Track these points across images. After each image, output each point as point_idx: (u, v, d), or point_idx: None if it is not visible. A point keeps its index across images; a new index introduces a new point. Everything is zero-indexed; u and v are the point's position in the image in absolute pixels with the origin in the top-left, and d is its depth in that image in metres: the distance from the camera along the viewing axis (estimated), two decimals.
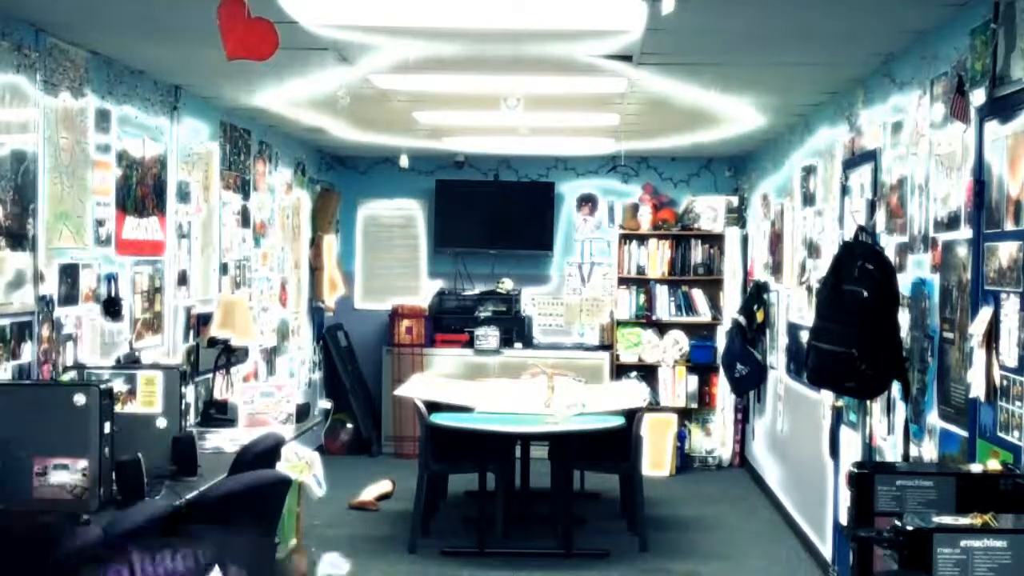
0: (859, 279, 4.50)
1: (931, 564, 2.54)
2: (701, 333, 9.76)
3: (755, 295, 8.44)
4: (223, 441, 5.32)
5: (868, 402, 5.20)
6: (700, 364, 9.66)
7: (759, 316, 8.29)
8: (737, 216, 9.60)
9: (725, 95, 6.26)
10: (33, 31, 4.58)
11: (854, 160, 5.69)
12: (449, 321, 9.86)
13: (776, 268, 7.94)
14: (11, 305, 4.43)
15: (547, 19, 4.41)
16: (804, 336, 6.12)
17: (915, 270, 4.61)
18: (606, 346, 9.86)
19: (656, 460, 9.12)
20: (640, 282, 9.77)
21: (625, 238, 9.82)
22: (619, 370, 9.62)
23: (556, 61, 5.21)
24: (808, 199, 6.87)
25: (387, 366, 9.84)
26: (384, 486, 8.07)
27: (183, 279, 6.34)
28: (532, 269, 10.14)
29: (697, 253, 9.76)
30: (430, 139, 8.46)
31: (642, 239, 9.80)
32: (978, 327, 3.69)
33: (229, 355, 6.41)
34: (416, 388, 7.48)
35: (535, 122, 7.42)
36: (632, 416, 6.74)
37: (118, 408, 4.27)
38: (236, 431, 5.59)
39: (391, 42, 4.87)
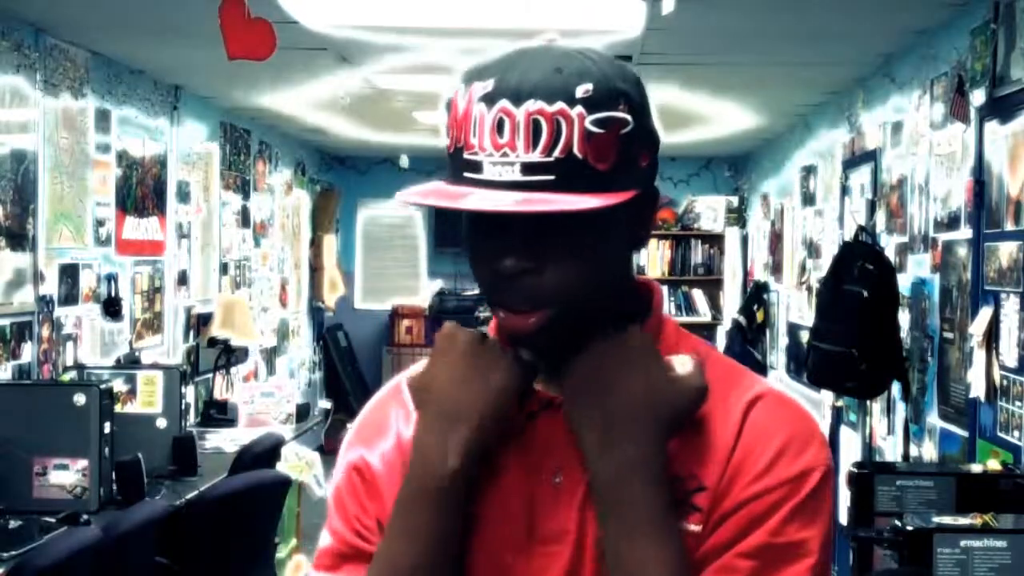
0: (859, 279, 4.50)
1: (931, 564, 2.54)
2: (701, 333, 9.71)
3: (755, 295, 8.43)
4: (223, 441, 5.32)
5: (868, 402, 5.20)
6: None
7: (759, 316, 8.29)
8: (737, 216, 9.59)
9: (725, 95, 6.26)
10: (33, 31, 4.57)
11: (854, 160, 5.69)
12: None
13: (776, 268, 7.94)
14: (11, 305, 4.43)
15: (547, 19, 4.41)
16: (804, 336, 6.12)
17: (915, 270, 4.61)
18: None
19: None
20: None
21: None
22: None
23: None
24: (808, 199, 6.86)
25: (387, 366, 9.84)
26: None
27: (183, 279, 6.34)
28: None
29: (697, 253, 9.75)
30: (430, 139, 8.46)
31: None
32: (978, 327, 3.69)
33: (229, 355, 6.41)
34: None
35: None
36: None
37: (118, 408, 4.28)
38: (236, 431, 5.59)
39: (391, 42, 4.87)
